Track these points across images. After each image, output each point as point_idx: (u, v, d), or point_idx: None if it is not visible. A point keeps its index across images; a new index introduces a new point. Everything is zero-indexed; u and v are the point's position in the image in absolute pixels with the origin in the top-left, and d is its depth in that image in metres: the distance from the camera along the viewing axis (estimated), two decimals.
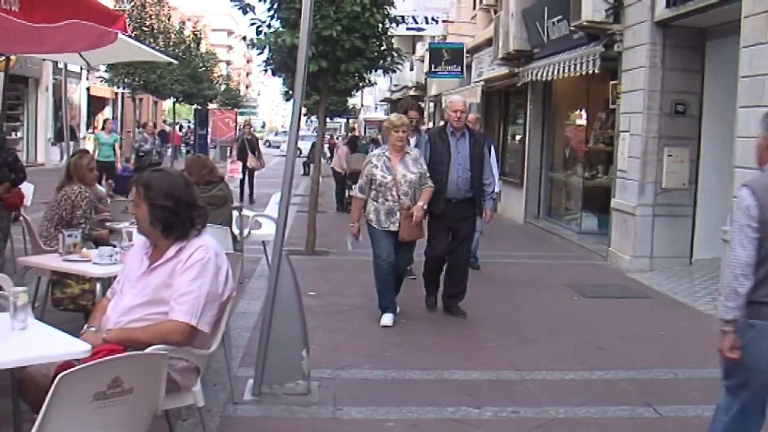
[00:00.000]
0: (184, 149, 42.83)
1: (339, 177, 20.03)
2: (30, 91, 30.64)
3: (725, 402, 4.16)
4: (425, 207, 7.93)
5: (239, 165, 20.40)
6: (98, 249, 6.12)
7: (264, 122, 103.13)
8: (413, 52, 32.00)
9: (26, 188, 9.79)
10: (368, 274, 8.40)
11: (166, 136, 35.25)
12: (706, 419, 4.44)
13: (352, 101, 35.66)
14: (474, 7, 23.68)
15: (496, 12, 19.03)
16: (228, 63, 79.97)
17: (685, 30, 11.22)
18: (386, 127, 8.36)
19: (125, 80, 31.74)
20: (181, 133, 45.28)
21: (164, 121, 48.83)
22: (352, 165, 18.90)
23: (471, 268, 9.17)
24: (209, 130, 38.55)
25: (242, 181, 20.22)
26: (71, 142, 16.33)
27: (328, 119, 24.05)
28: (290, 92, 11.64)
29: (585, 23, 12.36)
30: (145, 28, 32.14)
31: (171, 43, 35.11)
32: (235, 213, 10.27)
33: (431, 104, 28.38)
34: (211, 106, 47.31)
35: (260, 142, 23.56)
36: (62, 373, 3.14)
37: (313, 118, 30.87)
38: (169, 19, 37.10)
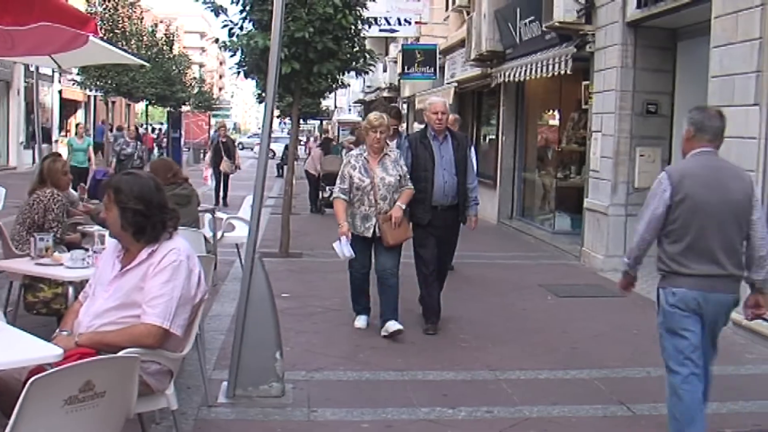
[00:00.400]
0: (156, 152, 42.57)
1: (312, 179, 19.93)
2: (1, 95, 30.38)
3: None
4: (404, 207, 7.56)
5: (209, 172, 20.14)
6: (70, 252, 6.09)
7: (235, 123, 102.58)
8: (386, 54, 31.99)
9: None
10: (343, 275, 8.31)
11: (140, 139, 35.01)
12: None
13: (325, 103, 35.59)
14: (447, 9, 23.72)
15: (468, 13, 19.07)
16: (201, 65, 79.81)
17: (657, 30, 11.31)
18: (364, 127, 7.90)
19: (98, 83, 31.58)
20: (153, 136, 45.02)
21: (140, 125, 48.56)
22: (325, 167, 18.90)
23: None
24: (182, 132, 38.34)
25: (217, 185, 19.99)
26: (45, 145, 16.21)
27: (301, 121, 23.98)
28: (263, 94, 11.63)
29: (557, 24, 12.42)
30: (118, 31, 31.97)
31: (144, 46, 34.97)
32: (208, 216, 10.27)
33: (404, 105, 28.40)
34: (185, 108, 47.15)
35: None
36: (33, 378, 3.11)
37: (287, 120, 30.80)
38: (141, 22, 36.95)
